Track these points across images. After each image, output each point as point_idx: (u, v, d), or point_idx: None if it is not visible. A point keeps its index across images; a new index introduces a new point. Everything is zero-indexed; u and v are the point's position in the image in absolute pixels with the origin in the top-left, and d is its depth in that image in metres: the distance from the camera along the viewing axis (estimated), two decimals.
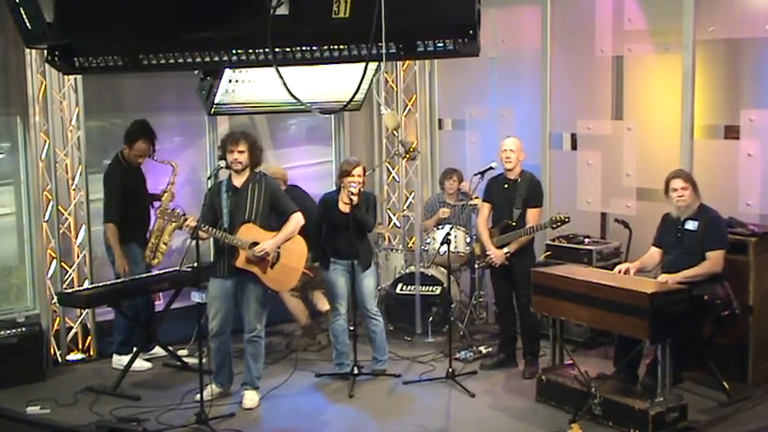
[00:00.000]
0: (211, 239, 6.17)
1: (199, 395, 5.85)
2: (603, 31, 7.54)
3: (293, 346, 7.50)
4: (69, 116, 7.21)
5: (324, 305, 7.30)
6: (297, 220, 6.14)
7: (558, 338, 6.24)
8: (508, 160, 6.69)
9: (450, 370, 6.62)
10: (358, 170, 6.52)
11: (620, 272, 6.06)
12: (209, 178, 6.20)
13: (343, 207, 6.56)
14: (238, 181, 6.04)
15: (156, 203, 7.02)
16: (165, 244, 6.95)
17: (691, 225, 5.97)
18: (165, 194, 7.01)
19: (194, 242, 5.81)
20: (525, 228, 6.65)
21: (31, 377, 6.72)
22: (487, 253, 6.79)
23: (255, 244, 5.97)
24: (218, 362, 6.27)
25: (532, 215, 6.70)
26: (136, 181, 7.02)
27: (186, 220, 5.90)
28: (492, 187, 6.89)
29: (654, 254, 6.19)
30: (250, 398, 6.20)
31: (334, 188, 6.79)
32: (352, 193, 6.40)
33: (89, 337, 7.37)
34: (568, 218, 6.61)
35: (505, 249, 6.67)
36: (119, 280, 6.78)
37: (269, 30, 3.42)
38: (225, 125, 8.03)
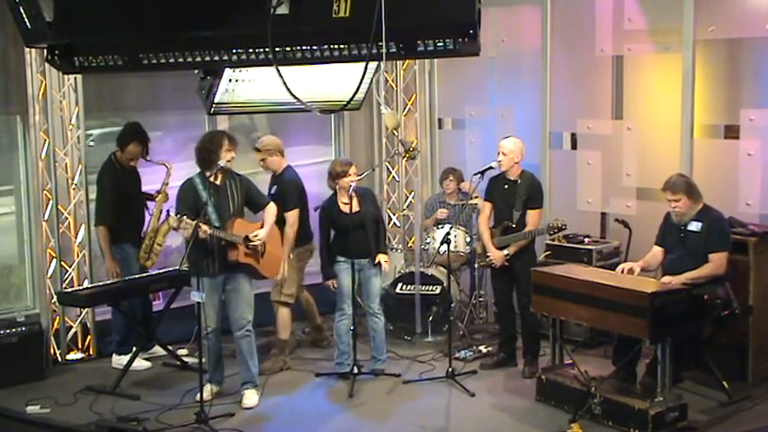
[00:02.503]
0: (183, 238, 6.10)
1: (198, 395, 5.85)
2: (604, 30, 7.54)
3: (296, 342, 7.51)
4: (69, 115, 7.21)
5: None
6: (274, 209, 6.33)
7: (557, 338, 6.24)
8: (500, 163, 6.69)
9: (450, 369, 6.62)
10: (353, 169, 6.61)
11: (623, 271, 6.05)
12: (208, 177, 6.18)
13: (345, 207, 6.58)
14: (217, 179, 6.08)
15: (151, 204, 7.02)
16: (160, 245, 6.93)
17: (694, 226, 5.95)
18: (160, 195, 6.99)
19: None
20: (524, 231, 6.65)
21: (30, 376, 6.72)
22: (488, 254, 6.79)
23: (247, 237, 6.05)
24: (214, 360, 6.27)
25: (532, 217, 6.69)
26: (130, 182, 7.01)
27: (200, 227, 5.82)
28: (492, 187, 6.89)
29: (656, 253, 6.18)
30: (250, 397, 6.20)
31: (329, 192, 6.81)
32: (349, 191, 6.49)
33: (89, 337, 7.37)
34: (565, 225, 6.60)
35: (505, 251, 6.67)
36: (118, 279, 6.77)
37: (269, 29, 3.42)
38: (224, 125, 8.03)
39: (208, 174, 6.03)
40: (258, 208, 6.31)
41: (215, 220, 5.98)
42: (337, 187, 6.63)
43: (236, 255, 6.02)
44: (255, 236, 6.06)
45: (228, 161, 6.06)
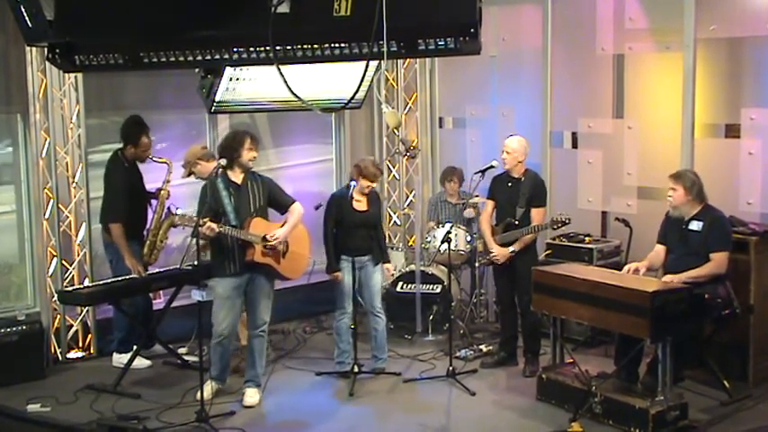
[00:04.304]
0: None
1: (199, 393, 5.85)
2: (604, 29, 7.54)
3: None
4: (70, 114, 7.21)
5: (243, 339, 6.74)
6: (299, 208, 6.23)
7: (558, 337, 6.24)
8: (504, 162, 6.71)
9: (451, 368, 6.62)
10: (380, 177, 6.79)
11: (629, 271, 6.05)
12: (211, 177, 6.18)
13: (358, 205, 6.61)
14: (238, 178, 6.06)
15: (154, 201, 7.03)
16: (162, 242, 6.94)
17: (695, 225, 5.95)
18: (162, 192, 7.00)
19: (194, 240, 5.80)
20: (528, 227, 6.64)
21: (31, 375, 6.72)
22: (491, 251, 6.79)
23: (265, 237, 6.01)
24: (223, 362, 6.25)
25: (536, 215, 6.69)
26: (136, 179, 7.03)
27: (205, 224, 5.81)
28: (495, 185, 6.90)
29: (659, 251, 6.16)
30: (251, 395, 6.20)
31: (345, 185, 6.75)
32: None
33: (89, 335, 7.37)
34: (569, 219, 6.60)
35: (511, 249, 6.66)
36: (120, 278, 6.77)
37: (270, 28, 3.42)
38: (225, 123, 8.04)
39: (211, 171, 6.01)
40: (283, 208, 6.23)
41: (232, 220, 5.97)
42: (357, 183, 6.62)
43: (252, 254, 5.99)
44: (273, 236, 6.02)
45: (250, 160, 6.03)
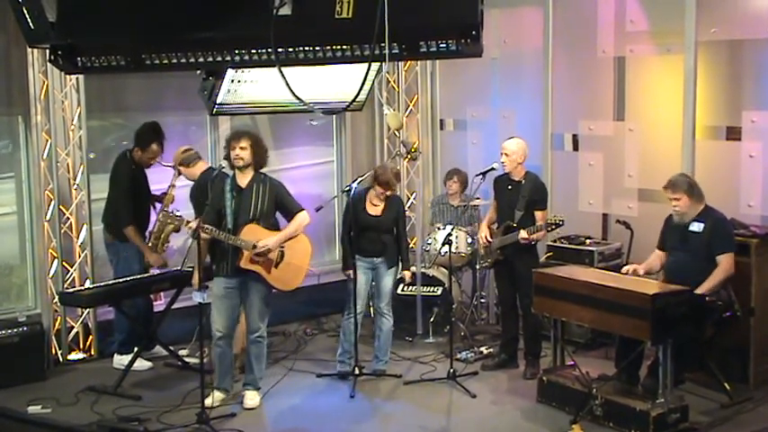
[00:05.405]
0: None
1: (203, 396, 5.85)
2: (605, 32, 7.54)
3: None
4: (71, 116, 7.21)
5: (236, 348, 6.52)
6: (302, 218, 6.12)
7: (559, 339, 6.23)
8: (504, 165, 6.71)
9: (452, 370, 6.62)
10: (395, 188, 6.77)
11: (627, 273, 6.05)
12: (212, 179, 6.18)
13: (372, 209, 6.66)
14: (243, 180, 6.03)
15: (158, 205, 7.04)
16: (164, 245, 6.95)
17: (695, 227, 5.94)
18: (167, 196, 7.01)
19: (195, 242, 5.80)
20: (528, 228, 6.61)
21: (32, 377, 6.71)
22: (489, 256, 6.80)
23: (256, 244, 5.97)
24: (223, 367, 6.20)
25: (540, 217, 6.68)
26: (143, 181, 7.04)
27: (188, 222, 5.85)
28: (497, 186, 6.91)
29: (659, 256, 6.17)
30: (251, 398, 6.20)
31: (361, 187, 6.74)
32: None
33: (90, 337, 7.37)
34: (563, 221, 6.56)
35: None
36: (120, 279, 6.78)
37: (272, 30, 3.43)
38: (226, 125, 8.04)
39: (215, 173, 6.03)
40: (288, 215, 6.14)
41: (229, 222, 5.93)
42: (374, 188, 6.64)
43: (239, 260, 5.97)
44: (263, 245, 5.93)
45: (235, 159, 5.94)
